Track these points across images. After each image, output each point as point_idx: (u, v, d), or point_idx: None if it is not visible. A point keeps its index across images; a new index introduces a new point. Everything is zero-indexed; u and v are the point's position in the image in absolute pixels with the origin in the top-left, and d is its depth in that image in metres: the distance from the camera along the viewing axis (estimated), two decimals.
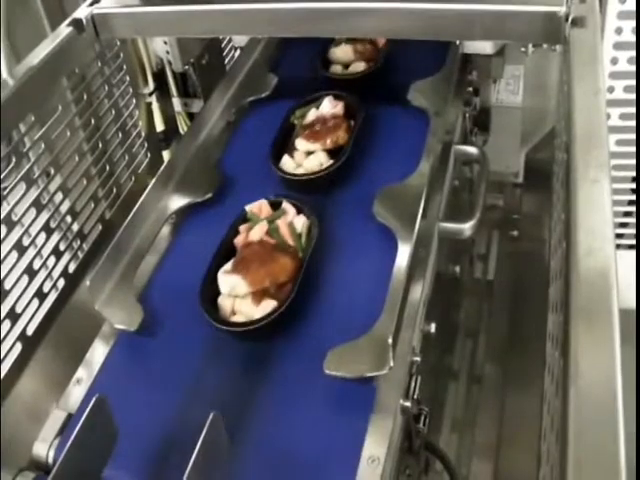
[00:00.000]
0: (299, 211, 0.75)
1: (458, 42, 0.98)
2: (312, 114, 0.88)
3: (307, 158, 0.83)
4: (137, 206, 0.78)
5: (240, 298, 0.67)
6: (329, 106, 0.88)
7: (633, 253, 1.14)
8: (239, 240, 0.73)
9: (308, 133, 0.85)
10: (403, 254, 0.68)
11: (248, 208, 0.77)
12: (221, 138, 0.93)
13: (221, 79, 1.00)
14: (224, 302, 0.68)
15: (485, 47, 0.99)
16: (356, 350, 0.61)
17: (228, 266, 0.70)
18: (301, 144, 0.84)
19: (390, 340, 0.59)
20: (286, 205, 0.76)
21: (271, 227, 0.73)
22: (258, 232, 0.73)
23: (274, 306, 0.66)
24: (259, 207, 0.77)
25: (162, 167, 0.83)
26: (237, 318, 0.67)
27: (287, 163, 0.83)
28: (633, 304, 1.00)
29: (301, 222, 0.74)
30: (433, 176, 0.78)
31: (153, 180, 0.81)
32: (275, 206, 0.77)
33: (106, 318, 0.70)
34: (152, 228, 0.78)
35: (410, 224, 0.71)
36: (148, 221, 0.79)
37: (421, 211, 0.72)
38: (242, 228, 0.75)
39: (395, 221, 0.72)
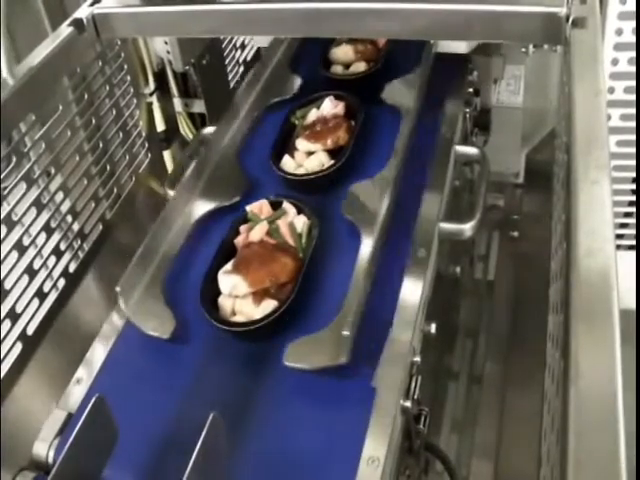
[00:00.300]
0: (299, 211, 0.75)
1: (432, 41, 0.98)
2: (313, 114, 0.88)
3: (308, 158, 0.83)
4: (164, 210, 0.77)
5: (240, 298, 0.67)
6: (330, 106, 0.88)
7: (633, 254, 1.14)
8: (239, 240, 0.73)
9: (309, 133, 0.85)
10: (366, 248, 0.70)
11: (249, 208, 0.77)
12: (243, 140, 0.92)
13: (246, 80, 1.00)
14: (224, 302, 0.68)
15: (459, 46, 0.99)
16: (315, 343, 0.62)
17: (229, 266, 0.70)
18: (302, 144, 0.84)
19: (346, 332, 0.60)
20: (286, 205, 0.76)
21: (271, 227, 0.73)
22: (259, 232, 0.73)
23: (274, 306, 0.66)
24: (259, 207, 0.76)
25: (189, 170, 0.82)
26: (237, 318, 0.67)
27: (288, 163, 0.83)
28: (633, 304, 1.00)
29: (301, 222, 0.74)
30: (399, 173, 0.79)
31: (179, 184, 0.80)
32: (276, 206, 0.77)
33: (138, 325, 0.69)
34: (179, 233, 0.77)
35: (373, 219, 0.72)
36: (175, 226, 0.78)
37: (385, 206, 0.73)
38: (242, 228, 0.75)
39: (359, 217, 0.74)
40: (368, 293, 0.67)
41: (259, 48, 1.31)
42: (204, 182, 0.83)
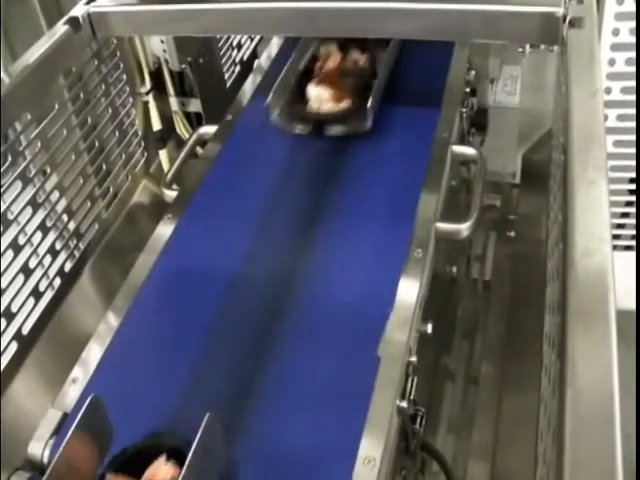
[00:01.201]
0: (363, 51, 0.95)
1: None
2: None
3: None
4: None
5: (325, 103, 0.86)
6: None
7: (630, 254, 1.14)
8: (318, 65, 0.93)
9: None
10: None
11: (322, 49, 0.96)
12: None
13: None
14: (312, 107, 0.87)
15: None
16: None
17: (313, 82, 0.89)
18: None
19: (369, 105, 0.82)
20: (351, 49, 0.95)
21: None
22: (333, 61, 0.93)
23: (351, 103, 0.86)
24: (328, 51, 0.95)
25: None
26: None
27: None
28: (631, 305, 1.00)
29: (364, 57, 0.94)
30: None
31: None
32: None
33: (284, 128, 0.86)
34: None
35: None
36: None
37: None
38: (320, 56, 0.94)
39: None
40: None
41: (256, 48, 1.31)
42: None
